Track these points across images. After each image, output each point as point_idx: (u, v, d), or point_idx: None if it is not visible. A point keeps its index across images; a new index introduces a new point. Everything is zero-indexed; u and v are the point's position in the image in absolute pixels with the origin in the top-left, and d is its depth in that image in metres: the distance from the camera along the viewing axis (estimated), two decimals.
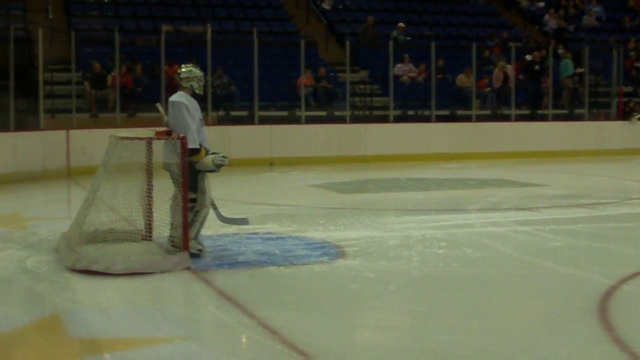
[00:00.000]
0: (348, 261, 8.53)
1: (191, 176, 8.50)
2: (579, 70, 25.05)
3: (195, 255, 8.45)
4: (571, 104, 25.23)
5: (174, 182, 8.61)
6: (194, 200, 8.57)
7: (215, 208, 9.08)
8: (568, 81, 25.24)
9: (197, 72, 8.83)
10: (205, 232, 9.81)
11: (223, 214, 9.04)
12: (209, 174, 8.71)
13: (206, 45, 20.80)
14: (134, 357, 5.57)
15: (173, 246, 8.48)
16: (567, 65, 25.35)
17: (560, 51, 26.58)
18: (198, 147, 8.51)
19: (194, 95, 8.84)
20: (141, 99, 21.13)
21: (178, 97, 8.72)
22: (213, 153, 8.62)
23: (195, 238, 8.64)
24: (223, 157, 8.56)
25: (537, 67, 24.89)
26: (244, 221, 9.41)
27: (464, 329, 6.19)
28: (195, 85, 8.78)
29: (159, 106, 9.10)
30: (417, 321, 6.52)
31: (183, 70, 8.83)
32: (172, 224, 8.60)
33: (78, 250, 8.32)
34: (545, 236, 10.14)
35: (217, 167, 8.55)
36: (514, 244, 9.60)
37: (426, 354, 5.60)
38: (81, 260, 8.04)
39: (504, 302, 7.21)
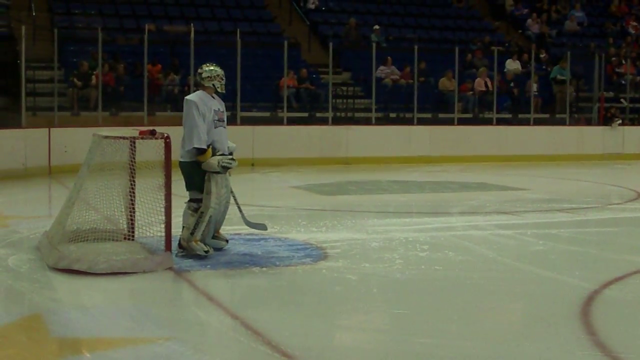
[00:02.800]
0: (331, 263, 8.53)
1: (198, 176, 8.52)
2: (560, 77, 25.18)
3: (200, 257, 8.45)
4: (554, 109, 25.38)
5: (186, 184, 8.66)
6: (199, 201, 8.56)
7: (240, 211, 9.14)
8: (556, 87, 25.41)
9: (218, 70, 8.85)
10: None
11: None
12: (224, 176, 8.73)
13: (189, 45, 20.78)
14: (116, 357, 5.54)
15: (180, 247, 8.60)
16: (555, 71, 25.53)
17: (542, 55, 26.72)
18: (204, 147, 8.48)
19: (217, 94, 8.87)
20: (123, 98, 21.11)
21: (192, 95, 8.79)
22: (222, 154, 8.60)
23: (203, 240, 8.58)
24: (230, 159, 8.55)
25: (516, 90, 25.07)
26: (262, 226, 9.43)
27: (446, 332, 6.19)
28: (217, 84, 8.79)
29: None
30: (400, 324, 6.51)
31: (205, 69, 8.83)
32: (183, 226, 8.69)
33: (60, 249, 8.29)
34: (527, 240, 10.17)
35: (223, 169, 8.51)
36: (496, 247, 9.63)
37: (409, 356, 5.61)
38: (63, 259, 8.00)
39: (486, 305, 7.22)
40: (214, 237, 8.91)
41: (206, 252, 8.51)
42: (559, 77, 25.27)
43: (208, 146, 8.52)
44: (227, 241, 9.09)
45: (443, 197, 15.24)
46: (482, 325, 6.55)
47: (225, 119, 8.94)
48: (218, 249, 8.88)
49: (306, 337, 6.01)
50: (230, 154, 8.86)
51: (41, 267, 8.15)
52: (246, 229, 9.61)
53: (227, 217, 9.17)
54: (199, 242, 8.53)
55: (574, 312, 6.63)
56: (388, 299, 7.32)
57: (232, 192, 9.02)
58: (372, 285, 7.74)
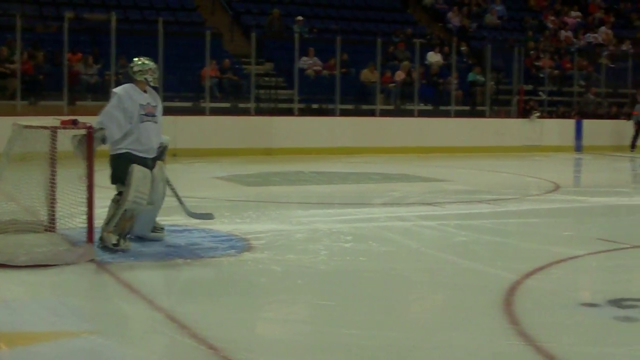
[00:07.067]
0: (255, 254, 8.51)
1: (123, 169, 8.40)
2: (480, 79, 25.57)
3: (109, 249, 8.33)
4: (474, 101, 25.72)
5: (111, 177, 8.55)
6: (122, 194, 8.44)
7: (181, 203, 9.08)
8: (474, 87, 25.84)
9: (150, 64, 8.70)
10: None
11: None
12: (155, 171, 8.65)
13: (110, 33, 20.51)
14: (38, 352, 5.44)
15: (100, 238, 8.49)
16: (471, 76, 25.87)
17: (463, 48, 27.01)
18: (97, 127, 8.29)
19: (152, 87, 8.75)
20: (43, 87, 20.77)
21: (119, 88, 8.64)
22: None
23: (123, 233, 8.43)
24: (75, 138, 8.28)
25: (441, 82, 25.34)
26: (209, 216, 9.37)
27: (371, 322, 6.22)
28: (149, 77, 8.64)
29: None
30: (325, 315, 6.51)
31: (137, 63, 8.67)
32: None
33: None
34: (450, 231, 10.28)
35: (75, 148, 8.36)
36: (419, 238, 9.72)
37: (334, 347, 5.61)
38: None
39: (411, 296, 7.29)
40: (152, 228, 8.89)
41: (114, 245, 8.36)
42: (478, 79, 25.66)
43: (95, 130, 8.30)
44: (163, 228, 9.06)
45: (366, 188, 15.33)
46: (406, 316, 6.61)
47: (158, 114, 8.78)
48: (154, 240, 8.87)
49: (231, 329, 5.98)
50: (164, 148, 8.84)
51: None
52: (169, 221, 9.53)
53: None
54: (110, 234, 8.41)
55: (497, 302, 6.71)
56: (313, 290, 7.32)
57: (169, 183, 8.96)
58: (297, 276, 7.74)
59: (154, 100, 8.77)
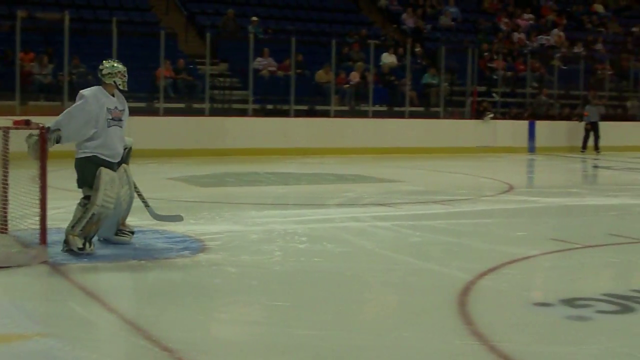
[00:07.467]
0: (210, 255, 8.48)
1: (90, 173, 8.31)
2: (432, 82, 25.74)
3: (73, 253, 8.23)
4: (428, 103, 25.87)
5: (78, 181, 8.45)
6: (89, 198, 8.35)
7: (147, 206, 9.01)
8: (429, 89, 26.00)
9: (120, 67, 8.59)
10: (63, 224, 9.61)
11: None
12: (120, 172, 8.57)
13: (64, 33, 20.32)
14: None
15: (64, 241, 8.36)
16: (426, 77, 26.00)
17: (417, 49, 27.13)
18: (51, 127, 8.19)
19: (120, 91, 8.64)
20: None
21: (87, 90, 8.51)
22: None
23: (87, 237, 8.32)
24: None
25: (394, 79, 25.45)
26: (178, 218, 9.32)
27: (325, 323, 6.22)
28: (118, 81, 8.54)
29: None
30: (280, 316, 6.50)
31: (106, 65, 8.56)
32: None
33: None
34: (405, 232, 10.32)
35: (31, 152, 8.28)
36: (374, 239, 9.74)
37: (288, 348, 5.61)
38: None
39: (366, 296, 7.30)
40: (119, 231, 8.80)
41: (80, 249, 8.26)
42: (430, 81, 25.85)
43: (48, 130, 8.18)
44: (132, 233, 8.95)
45: (321, 189, 15.35)
46: (361, 317, 6.62)
47: (125, 118, 8.70)
48: (120, 244, 8.79)
49: (186, 330, 5.94)
50: (129, 150, 8.81)
51: None
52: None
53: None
54: (76, 237, 8.33)
55: (451, 302, 6.75)
56: (268, 291, 7.30)
57: (135, 186, 8.89)
58: (251, 277, 7.72)
59: (122, 104, 8.67)
